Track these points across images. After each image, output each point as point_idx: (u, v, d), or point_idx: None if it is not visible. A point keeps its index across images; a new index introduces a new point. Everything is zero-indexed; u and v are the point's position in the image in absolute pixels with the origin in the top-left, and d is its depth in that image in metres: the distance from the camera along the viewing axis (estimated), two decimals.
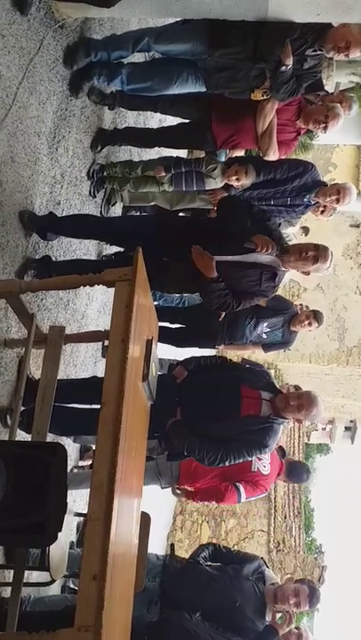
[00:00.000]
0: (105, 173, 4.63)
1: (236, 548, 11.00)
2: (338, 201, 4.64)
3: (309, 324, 5.14)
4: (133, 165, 4.66)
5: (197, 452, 3.63)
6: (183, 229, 4.00)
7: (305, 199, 4.67)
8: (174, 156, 4.80)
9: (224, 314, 4.51)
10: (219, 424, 3.66)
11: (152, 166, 4.58)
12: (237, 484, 4.22)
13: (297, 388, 5.21)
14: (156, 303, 4.19)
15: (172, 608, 3.85)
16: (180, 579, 4.06)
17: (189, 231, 3.94)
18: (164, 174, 4.50)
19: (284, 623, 3.94)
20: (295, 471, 4.71)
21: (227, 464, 3.71)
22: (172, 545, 4.82)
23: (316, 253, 3.78)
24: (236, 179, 4.43)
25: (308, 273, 4.08)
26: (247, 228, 3.71)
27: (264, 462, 4.29)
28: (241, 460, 3.73)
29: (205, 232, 3.90)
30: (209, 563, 4.30)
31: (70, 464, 4.59)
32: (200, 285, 3.78)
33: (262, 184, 4.60)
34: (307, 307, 5.59)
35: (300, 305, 5.59)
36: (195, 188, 4.62)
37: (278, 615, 3.98)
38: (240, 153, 5.14)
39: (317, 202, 4.70)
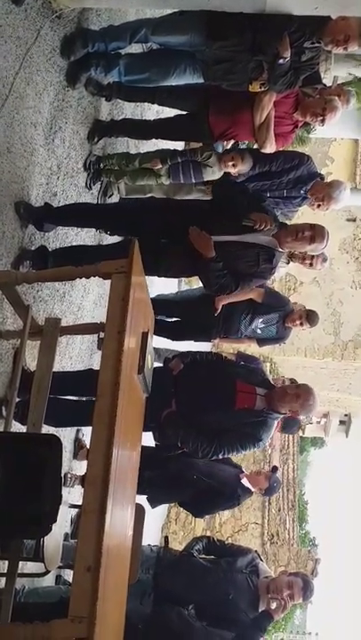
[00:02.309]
0: (102, 165, 4.61)
1: (229, 540, 11.03)
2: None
3: (301, 323, 5.14)
4: (130, 158, 4.64)
5: (191, 444, 3.65)
6: (180, 211, 4.00)
7: (301, 191, 4.67)
8: (171, 148, 4.79)
9: (220, 309, 4.52)
10: (213, 416, 3.66)
11: (149, 159, 4.56)
12: None
13: (293, 381, 5.23)
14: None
15: (165, 600, 3.86)
16: (174, 571, 4.08)
17: (186, 212, 3.94)
18: (160, 166, 4.49)
19: (278, 609, 3.96)
20: (288, 424, 4.99)
21: (220, 457, 3.73)
22: (166, 537, 4.84)
23: (312, 233, 3.80)
24: (233, 164, 4.41)
25: (304, 259, 4.07)
26: (244, 207, 3.72)
27: None
28: (235, 454, 3.75)
29: (202, 213, 3.90)
30: (203, 555, 4.31)
31: (65, 455, 4.59)
32: (198, 267, 3.78)
33: (258, 176, 4.60)
34: (303, 307, 5.58)
35: (295, 304, 5.59)
36: (193, 180, 4.61)
37: (274, 604, 4.00)
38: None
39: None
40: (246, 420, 3.67)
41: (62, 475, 3.43)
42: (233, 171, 4.45)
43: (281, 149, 4.55)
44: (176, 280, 7.84)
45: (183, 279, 7.86)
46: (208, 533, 11.11)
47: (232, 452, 3.73)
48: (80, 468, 4.90)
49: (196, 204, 4.45)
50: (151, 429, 3.77)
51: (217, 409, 3.68)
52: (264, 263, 3.73)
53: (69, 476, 4.70)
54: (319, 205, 4.86)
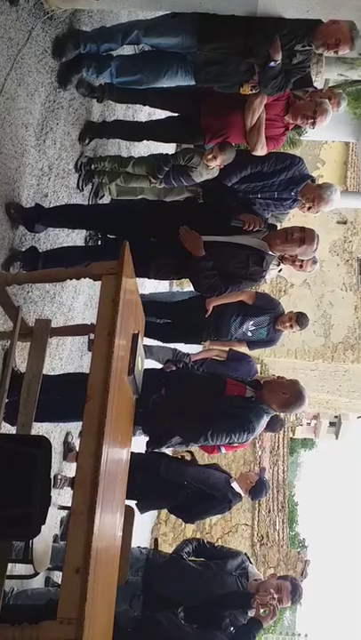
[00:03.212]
0: (93, 167, 4.61)
1: (220, 541, 11.04)
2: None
3: (291, 326, 5.13)
4: (123, 161, 4.64)
5: (181, 429, 3.61)
6: (171, 212, 4.00)
7: (292, 193, 4.68)
8: (163, 152, 4.78)
9: (210, 310, 4.52)
10: (203, 402, 3.61)
11: (142, 165, 4.55)
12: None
13: (280, 378, 5.26)
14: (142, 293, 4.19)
15: (154, 602, 3.86)
16: (163, 573, 4.08)
17: (177, 213, 3.94)
18: (155, 181, 4.50)
19: (268, 616, 3.96)
20: (271, 422, 4.86)
21: (210, 442, 3.65)
22: (156, 540, 4.85)
23: (302, 235, 3.80)
24: (213, 157, 4.39)
25: (294, 260, 4.06)
26: (234, 207, 3.72)
27: None
28: (226, 440, 3.65)
29: (192, 214, 3.90)
30: (192, 558, 4.31)
31: (55, 457, 4.58)
32: (188, 267, 3.77)
33: (249, 177, 4.61)
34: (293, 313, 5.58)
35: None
36: (184, 184, 4.61)
37: (262, 610, 4.00)
38: None
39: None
40: (237, 404, 3.61)
41: (52, 476, 3.42)
42: (215, 163, 4.42)
43: (272, 151, 4.57)
44: (167, 282, 7.84)
45: (175, 281, 7.87)
46: (198, 535, 11.12)
47: (222, 437, 3.59)
48: (70, 469, 4.89)
49: (186, 206, 4.46)
50: (140, 416, 3.70)
51: (207, 395, 3.64)
52: (254, 265, 3.74)
53: (59, 477, 4.69)
54: (309, 208, 4.88)
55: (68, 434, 4.88)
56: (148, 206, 4.26)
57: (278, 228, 4.01)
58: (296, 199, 4.75)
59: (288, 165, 4.62)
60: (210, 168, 4.47)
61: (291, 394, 3.65)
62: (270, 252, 3.80)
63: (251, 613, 3.98)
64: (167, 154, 4.62)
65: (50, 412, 3.76)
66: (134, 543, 3.62)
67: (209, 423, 3.54)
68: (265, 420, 3.73)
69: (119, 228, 4.00)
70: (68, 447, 4.87)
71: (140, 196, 4.78)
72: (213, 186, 4.38)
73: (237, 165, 4.51)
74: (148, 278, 4.15)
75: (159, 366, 4.33)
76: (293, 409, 3.77)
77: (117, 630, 2.49)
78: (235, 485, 4.52)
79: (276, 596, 4.00)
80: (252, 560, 4.39)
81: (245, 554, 4.39)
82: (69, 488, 4.65)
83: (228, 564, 4.17)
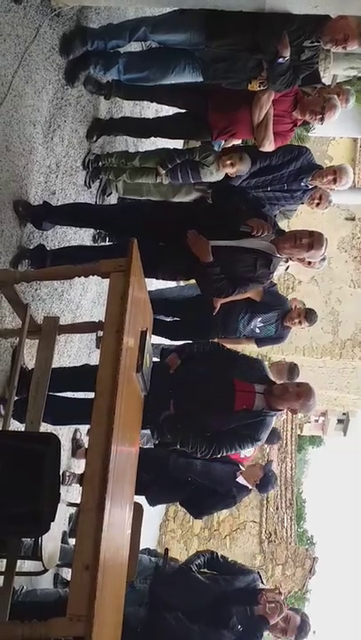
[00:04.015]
0: (100, 164, 4.61)
1: (228, 538, 11.05)
2: (335, 181, 4.65)
3: (300, 322, 5.13)
4: (130, 156, 4.64)
5: (190, 446, 3.64)
6: (179, 214, 4.00)
7: (302, 183, 4.69)
8: (171, 147, 4.78)
9: (218, 308, 4.51)
10: (212, 418, 3.65)
11: (149, 158, 4.55)
12: None
13: (293, 365, 5.21)
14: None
15: (162, 609, 3.83)
16: (171, 583, 4.02)
17: (185, 216, 3.94)
18: (163, 171, 4.49)
19: (274, 613, 3.92)
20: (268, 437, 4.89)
21: (219, 456, 3.72)
22: (166, 550, 4.79)
23: (310, 240, 3.80)
24: (231, 164, 4.40)
25: (303, 259, 4.08)
26: (242, 212, 3.72)
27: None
28: (233, 453, 3.74)
29: (201, 217, 3.90)
30: (205, 570, 4.26)
31: (63, 453, 4.59)
32: (195, 271, 3.78)
33: (259, 172, 4.61)
34: (302, 303, 5.56)
35: (295, 300, 5.59)
36: (191, 181, 4.60)
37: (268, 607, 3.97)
38: (237, 142, 5.13)
39: (315, 186, 4.71)
40: (245, 420, 3.66)
41: (60, 473, 3.42)
42: (231, 171, 4.44)
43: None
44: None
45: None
46: (206, 532, 11.14)
47: (231, 452, 3.72)
48: (78, 466, 4.90)
49: (195, 208, 4.45)
50: (150, 430, 3.76)
51: (215, 411, 3.67)
52: (261, 268, 3.74)
53: (67, 474, 4.71)
54: (318, 204, 4.88)
55: (76, 430, 4.89)
56: (156, 208, 4.25)
57: (287, 231, 4.00)
58: (306, 190, 4.75)
59: (296, 156, 4.63)
60: (220, 172, 4.48)
61: (300, 408, 3.72)
62: (278, 255, 3.79)
63: (257, 612, 3.96)
64: (180, 148, 4.63)
65: (63, 415, 3.79)
66: (143, 544, 3.62)
67: (217, 441, 3.61)
68: (273, 422, 3.78)
69: (126, 230, 4.00)
70: (76, 444, 4.89)
71: (146, 197, 4.77)
72: (221, 187, 4.37)
73: None
74: (156, 279, 4.15)
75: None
76: (301, 412, 3.84)
77: (127, 631, 2.49)
78: (240, 480, 4.51)
79: (281, 625, 3.94)
80: (263, 581, 4.31)
81: (258, 572, 4.30)
82: (78, 485, 4.66)
83: (237, 580, 4.10)
